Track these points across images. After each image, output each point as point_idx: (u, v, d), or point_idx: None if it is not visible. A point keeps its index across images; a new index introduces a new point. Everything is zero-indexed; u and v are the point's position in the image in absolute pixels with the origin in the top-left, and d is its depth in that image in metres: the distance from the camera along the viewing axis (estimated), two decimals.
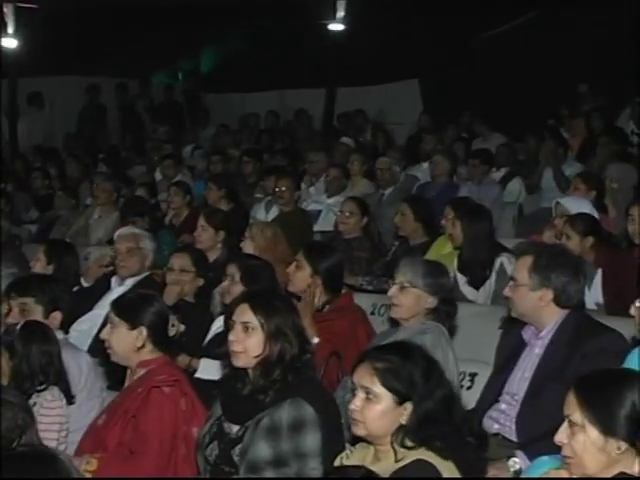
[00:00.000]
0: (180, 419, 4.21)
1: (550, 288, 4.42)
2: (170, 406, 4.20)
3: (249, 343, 3.83)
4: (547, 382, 4.32)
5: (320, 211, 9.65)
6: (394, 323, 5.23)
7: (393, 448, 3.37)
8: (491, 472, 4.00)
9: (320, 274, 5.51)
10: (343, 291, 5.80)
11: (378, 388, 3.39)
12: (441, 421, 3.39)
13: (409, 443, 3.36)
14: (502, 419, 4.46)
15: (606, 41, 14.12)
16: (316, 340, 5.11)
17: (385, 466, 3.35)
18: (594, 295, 6.17)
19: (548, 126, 12.49)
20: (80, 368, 4.77)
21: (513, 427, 4.41)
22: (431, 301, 4.90)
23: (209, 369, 5.24)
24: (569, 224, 6.39)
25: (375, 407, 3.39)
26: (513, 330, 4.71)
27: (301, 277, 5.54)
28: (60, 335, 4.81)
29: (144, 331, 4.35)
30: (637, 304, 3.86)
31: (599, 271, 6.17)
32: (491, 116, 13.08)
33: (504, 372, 4.58)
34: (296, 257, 5.64)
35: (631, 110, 12.56)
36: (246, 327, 3.84)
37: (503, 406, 4.49)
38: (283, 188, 8.98)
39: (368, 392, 3.40)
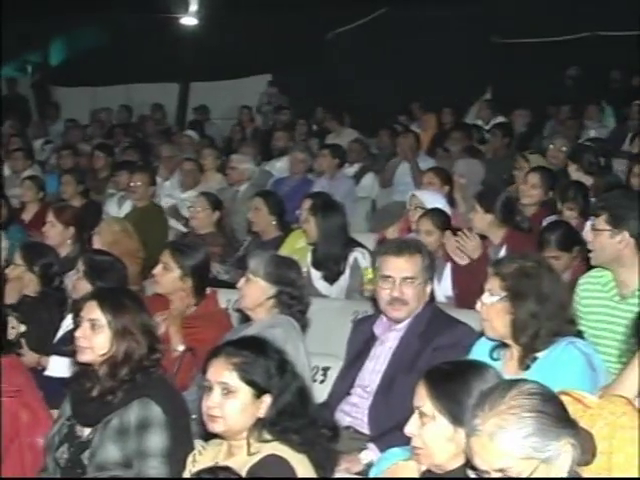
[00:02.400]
0: (22, 432, 4.10)
1: None
2: (7, 419, 4.07)
3: (96, 341, 3.78)
4: (399, 375, 4.38)
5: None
6: (245, 319, 5.23)
7: (248, 442, 3.37)
8: (343, 465, 4.02)
9: (189, 275, 5.42)
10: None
11: (236, 382, 3.38)
12: (297, 414, 3.41)
13: (267, 436, 3.37)
14: (354, 412, 4.50)
15: (456, 38, 14.44)
16: (181, 348, 5.08)
17: (238, 460, 3.34)
18: (444, 288, 6.28)
19: (400, 122, 12.71)
20: None
21: (365, 420, 4.45)
22: (272, 291, 4.90)
23: (59, 366, 5.13)
24: (429, 220, 6.46)
25: (234, 402, 3.38)
26: (364, 324, 4.76)
27: (170, 279, 5.43)
28: None
29: None
30: (483, 300, 3.94)
31: (448, 264, 6.28)
32: (344, 112, 13.19)
33: (355, 365, 4.62)
34: (162, 258, 5.50)
35: (479, 107, 12.87)
36: (93, 324, 3.80)
37: (355, 399, 4.52)
38: (138, 183, 8.86)
39: (225, 387, 3.38)
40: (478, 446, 2.63)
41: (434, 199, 7.07)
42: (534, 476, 2.57)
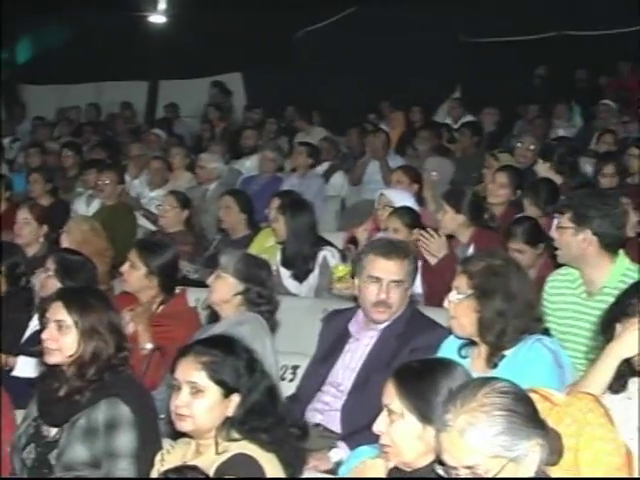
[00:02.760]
0: None
1: None
2: None
3: (63, 342, 3.76)
4: (374, 374, 4.36)
5: None
6: (213, 318, 5.22)
7: (216, 441, 3.37)
8: (312, 463, 4.01)
9: (155, 274, 5.41)
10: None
11: (205, 382, 3.37)
12: (266, 413, 3.41)
13: (235, 435, 3.36)
14: (326, 410, 4.48)
15: (425, 37, 14.47)
16: (149, 346, 5.07)
17: (206, 459, 3.34)
18: (414, 286, 6.28)
19: (369, 120, 12.71)
20: None
21: (337, 418, 4.44)
22: (241, 288, 4.89)
23: (27, 367, 5.10)
24: (397, 218, 6.48)
25: (202, 401, 3.37)
26: (337, 318, 4.76)
27: (136, 277, 5.41)
28: None
29: None
30: (450, 298, 3.95)
31: (418, 263, 6.28)
32: (314, 110, 13.20)
33: (327, 361, 4.61)
34: (129, 256, 5.49)
35: (449, 106, 12.91)
36: (60, 325, 3.77)
37: (328, 398, 4.51)
38: (107, 181, 8.84)
39: (194, 387, 3.38)
40: (448, 442, 2.64)
41: (402, 197, 7.09)
42: (501, 475, 2.58)
